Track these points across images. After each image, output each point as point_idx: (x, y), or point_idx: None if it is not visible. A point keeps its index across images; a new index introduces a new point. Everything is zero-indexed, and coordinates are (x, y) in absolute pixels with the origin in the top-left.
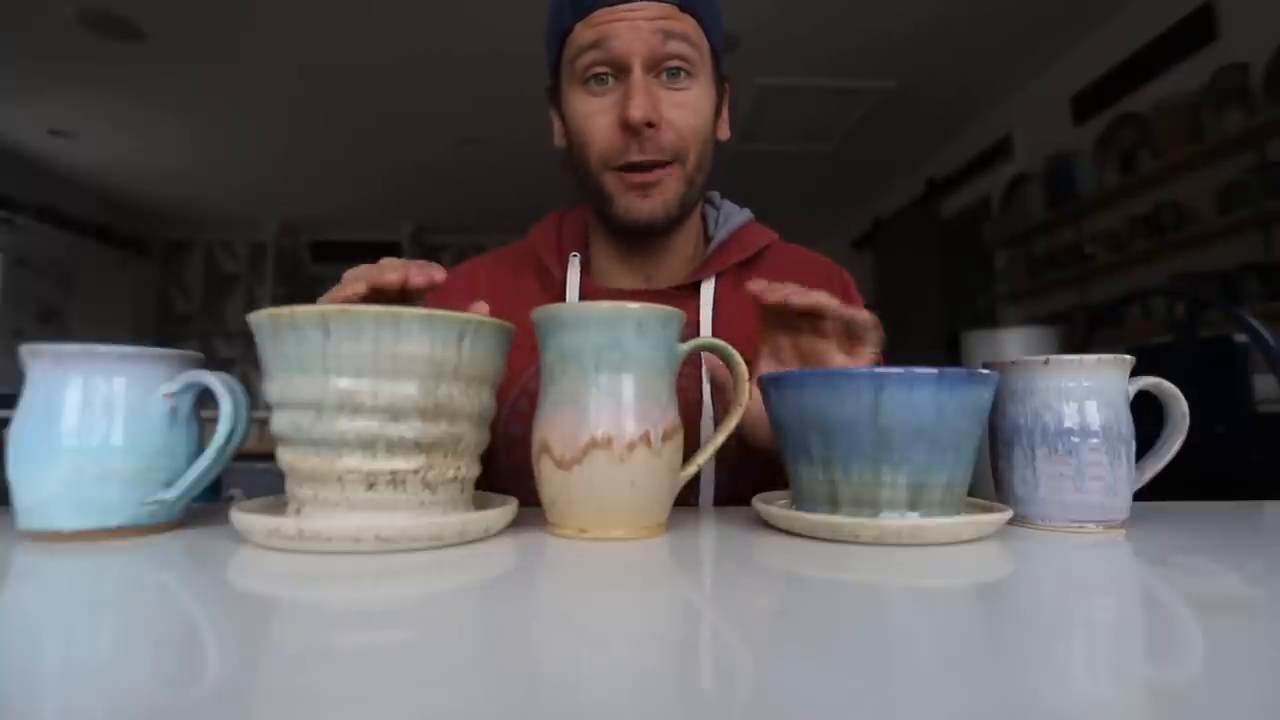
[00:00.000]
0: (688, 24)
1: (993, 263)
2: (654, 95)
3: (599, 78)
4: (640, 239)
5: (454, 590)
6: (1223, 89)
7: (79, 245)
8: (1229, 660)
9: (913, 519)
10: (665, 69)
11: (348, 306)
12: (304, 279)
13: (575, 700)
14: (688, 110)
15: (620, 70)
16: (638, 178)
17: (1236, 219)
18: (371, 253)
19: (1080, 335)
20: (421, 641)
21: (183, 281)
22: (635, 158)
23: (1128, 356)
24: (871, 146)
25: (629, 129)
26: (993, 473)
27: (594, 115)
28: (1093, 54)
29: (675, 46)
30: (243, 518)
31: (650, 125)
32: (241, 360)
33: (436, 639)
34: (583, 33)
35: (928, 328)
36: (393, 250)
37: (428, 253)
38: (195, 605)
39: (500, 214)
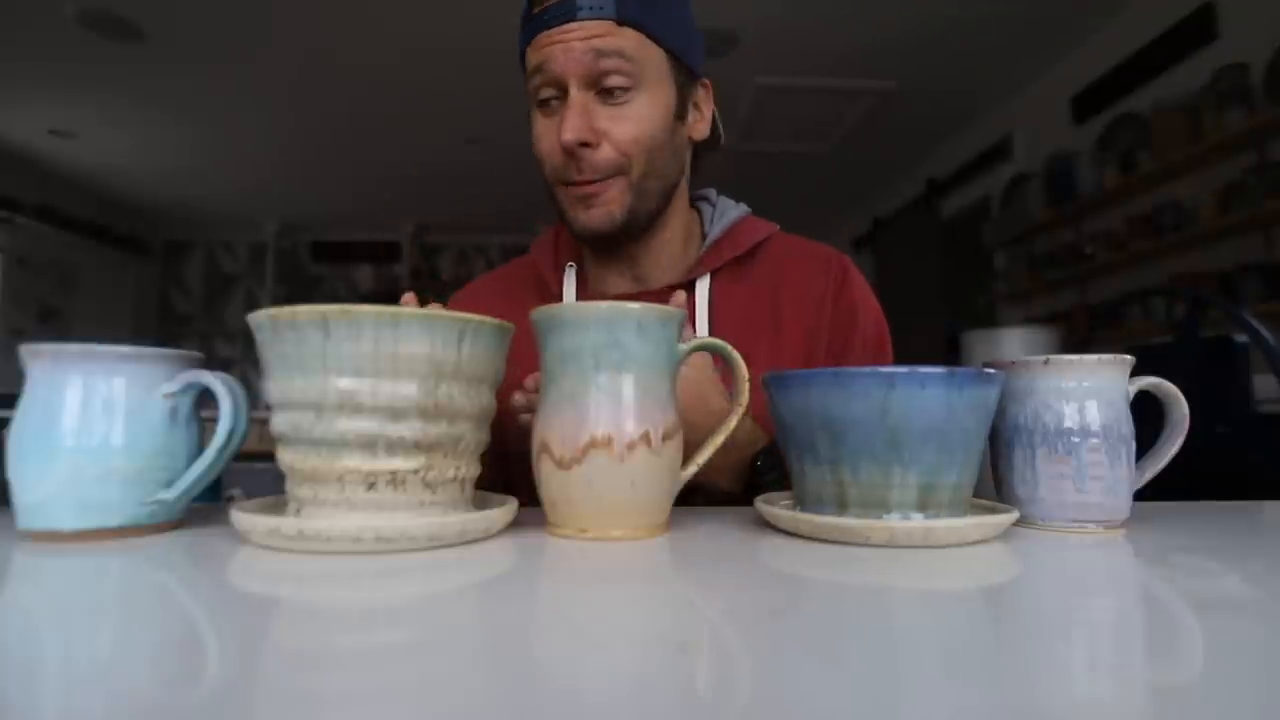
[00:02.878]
0: (626, 38)
1: (993, 263)
2: (590, 114)
3: (548, 100)
4: (608, 246)
5: (454, 590)
6: (1223, 89)
7: (79, 245)
8: (1229, 660)
9: (922, 520)
10: (602, 87)
11: (348, 306)
12: (304, 279)
13: (575, 700)
14: (628, 123)
15: (562, 91)
16: (579, 190)
17: (1236, 219)
18: (372, 253)
19: (1080, 335)
20: (421, 641)
21: (183, 281)
22: (574, 177)
23: (1128, 356)
24: (871, 146)
25: (565, 150)
26: (993, 472)
27: (544, 136)
28: (1093, 54)
29: (609, 63)
30: (243, 518)
31: (585, 145)
32: (241, 360)
33: (436, 639)
34: (531, 57)
35: (928, 328)
36: (393, 250)
37: (428, 253)
38: (195, 605)
39: (501, 214)
